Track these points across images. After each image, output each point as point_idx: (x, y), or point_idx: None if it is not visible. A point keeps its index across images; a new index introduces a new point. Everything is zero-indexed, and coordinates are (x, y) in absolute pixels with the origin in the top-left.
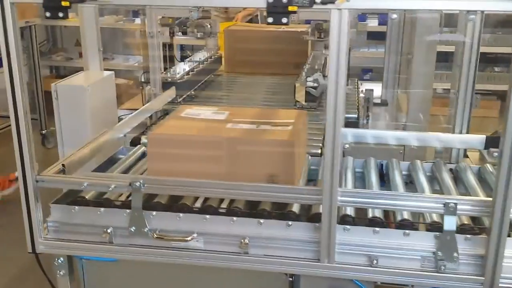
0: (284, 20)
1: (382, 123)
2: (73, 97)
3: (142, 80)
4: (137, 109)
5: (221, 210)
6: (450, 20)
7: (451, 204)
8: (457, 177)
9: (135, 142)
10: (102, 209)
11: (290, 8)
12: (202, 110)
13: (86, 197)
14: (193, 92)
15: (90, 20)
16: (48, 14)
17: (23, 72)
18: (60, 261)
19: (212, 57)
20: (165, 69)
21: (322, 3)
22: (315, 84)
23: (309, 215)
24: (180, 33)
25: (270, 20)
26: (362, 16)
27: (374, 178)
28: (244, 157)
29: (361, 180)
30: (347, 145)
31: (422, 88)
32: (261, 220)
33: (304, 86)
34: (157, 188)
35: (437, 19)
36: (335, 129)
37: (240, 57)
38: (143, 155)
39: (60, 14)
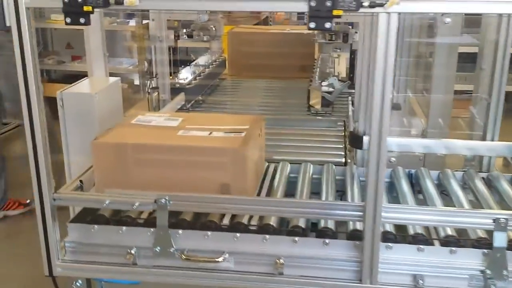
0: (328, 25)
1: (397, 129)
2: (80, 105)
3: (151, 85)
4: None
5: (251, 227)
6: (470, 22)
7: (502, 219)
8: (490, 186)
9: None
10: (124, 228)
11: (335, 12)
12: (154, 116)
13: (106, 214)
14: (200, 98)
15: (94, 23)
16: (68, 20)
17: (38, 81)
18: (78, 284)
19: (217, 60)
20: (170, 74)
21: (370, 6)
22: (331, 89)
23: (348, 232)
24: (185, 36)
25: (312, 25)
26: None
27: (406, 189)
28: (194, 166)
29: (391, 190)
30: (393, 158)
31: (443, 93)
32: (296, 238)
33: (319, 91)
34: (184, 205)
35: (459, 21)
36: (380, 140)
37: (244, 60)
38: None
39: (82, 20)
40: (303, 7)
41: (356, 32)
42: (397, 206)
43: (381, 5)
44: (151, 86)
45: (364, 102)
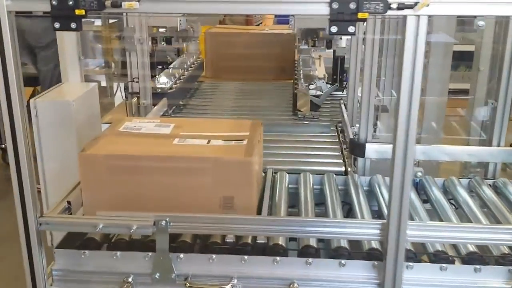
0: (351, 29)
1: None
2: (56, 114)
3: (130, 90)
4: None
5: (259, 247)
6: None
7: None
8: (498, 193)
9: None
10: (118, 252)
11: (360, 16)
12: (144, 122)
13: (96, 237)
14: (181, 102)
15: None
16: (57, 25)
17: (22, 94)
18: None
19: (195, 62)
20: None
21: (399, 8)
22: (319, 92)
23: (364, 251)
24: (163, 43)
25: (333, 29)
26: None
27: (415, 199)
28: (194, 179)
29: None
30: (419, 173)
31: (437, 95)
32: (310, 260)
33: (307, 95)
34: (186, 226)
35: (454, 21)
36: (406, 150)
37: (223, 62)
38: None
39: (73, 25)
40: (324, 10)
41: (340, 38)
42: (423, 224)
43: (411, 7)
44: (130, 90)
45: (366, 107)
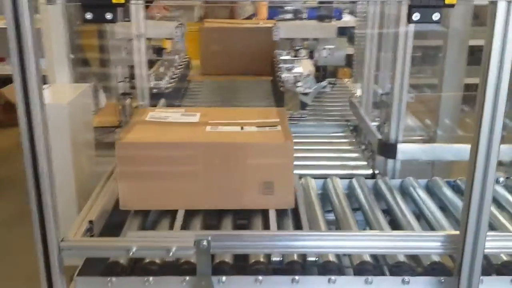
0: (436, 16)
1: None
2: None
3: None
4: (114, 126)
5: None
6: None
7: None
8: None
9: None
10: (150, 278)
11: (448, 1)
12: (168, 112)
13: (121, 261)
14: (177, 103)
15: (56, 20)
16: (89, 16)
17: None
18: None
19: (183, 61)
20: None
21: None
22: (309, 90)
23: (427, 265)
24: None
25: (416, 17)
26: (337, 10)
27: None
28: (235, 164)
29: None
30: (501, 178)
31: (453, 90)
32: (369, 278)
33: (297, 93)
34: (230, 246)
35: (471, 11)
36: (490, 151)
37: (220, 57)
38: None
39: (108, 16)
40: None
41: (324, 48)
42: (504, 234)
43: None
44: (123, 91)
45: (397, 104)
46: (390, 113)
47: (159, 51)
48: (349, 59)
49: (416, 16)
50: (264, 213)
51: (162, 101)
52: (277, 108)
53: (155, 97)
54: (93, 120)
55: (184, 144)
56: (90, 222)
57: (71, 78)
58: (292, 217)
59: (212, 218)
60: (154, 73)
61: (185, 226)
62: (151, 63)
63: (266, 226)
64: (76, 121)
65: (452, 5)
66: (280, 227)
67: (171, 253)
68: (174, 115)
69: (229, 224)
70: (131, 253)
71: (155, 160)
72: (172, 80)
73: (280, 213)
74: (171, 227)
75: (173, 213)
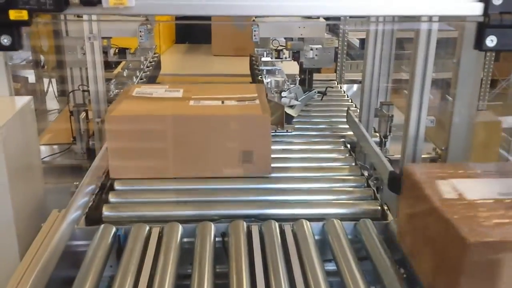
0: None
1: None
2: None
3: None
4: (66, 143)
5: None
6: None
7: None
8: None
9: (93, 217)
10: None
11: None
12: (153, 88)
13: None
14: None
15: None
16: None
17: None
18: None
19: (152, 60)
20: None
21: None
22: (294, 102)
23: None
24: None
25: (490, 42)
26: None
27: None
28: (217, 136)
29: None
30: None
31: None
32: None
33: (282, 105)
34: None
35: None
36: None
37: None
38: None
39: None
40: (477, 9)
41: (311, 49)
42: None
43: None
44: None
45: (414, 130)
46: (405, 146)
47: (122, 51)
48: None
49: (491, 42)
50: None
51: None
52: (256, 84)
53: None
54: (44, 136)
55: (169, 116)
56: None
57: (9, 89)
58: None
59: None
60: (115, 79)
61: None
62: (112, 66)
63: None
64: (14, 145)
65: None
66: None
67: None
68: (159, 90)
69: None
70: None
71: (142, 132)
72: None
73: None
74: None
75: None
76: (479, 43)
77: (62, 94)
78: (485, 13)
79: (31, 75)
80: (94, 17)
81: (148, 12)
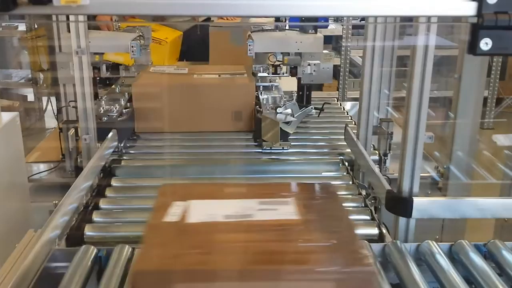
0: None
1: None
2: None
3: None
4: (55, 161)
5: None
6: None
7: None
8: None
9: (73, 238)
10: None
11: None
12: (164, 67)
13: None
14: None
15: None
16: None
17: None
18: None
19: None
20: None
21: None
22: (290, 118)
23: None
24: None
25: (484, 45)
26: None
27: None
28: (215, 99)
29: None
30: None
31: (469, 126)
32: None
33: (277, 121)
34: None
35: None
36: None
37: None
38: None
39: None
40: (469, 9)
41: (309, 65)
42: None
43: None
44: (65, 118)
45: (412, 149)
46: (403, 164)
47: (115, 67)
48: (334, 70)
49: (485, 44)
50: None
51: (113, 133)
52: (243, 66)
53: (100, 131)
54: (32, 154)
55: (179, 85)
56: None
57: None
58: None
59: None
60: (106, 96)
61: None
62: (105, 84)
63: None
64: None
65: None
66: None
67: None
68: (168, 69)
69: None
70: None
71: (159, 96)
72: (129, 103)
73: None
74: None
75: None
76: (472, 47)
77: (60, 111)
78: (479, 13)
79: (30, 94)
80: (81, 32)
81: (104, 12)
